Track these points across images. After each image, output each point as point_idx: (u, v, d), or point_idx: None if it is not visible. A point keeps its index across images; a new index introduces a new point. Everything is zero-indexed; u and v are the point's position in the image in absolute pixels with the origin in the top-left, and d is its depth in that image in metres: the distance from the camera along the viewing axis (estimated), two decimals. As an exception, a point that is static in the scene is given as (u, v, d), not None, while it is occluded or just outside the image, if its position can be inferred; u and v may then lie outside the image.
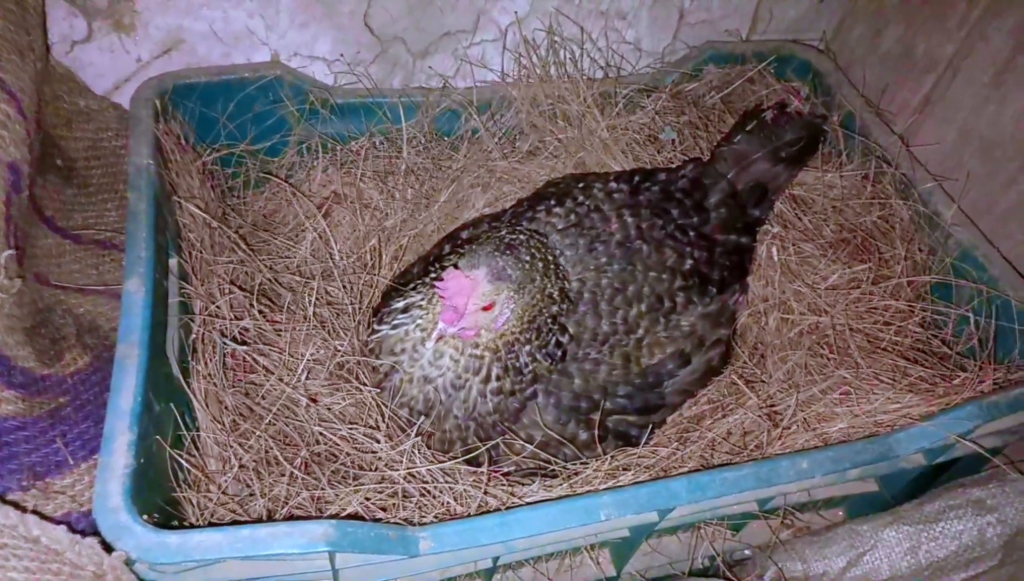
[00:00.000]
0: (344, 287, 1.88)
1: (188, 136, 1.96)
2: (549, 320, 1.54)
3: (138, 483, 1.24)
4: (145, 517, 1.21)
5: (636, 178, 1.81)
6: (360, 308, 1.86)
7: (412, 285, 1.68)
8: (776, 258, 1.95)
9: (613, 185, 1.77)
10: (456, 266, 1.44)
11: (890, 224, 2.08)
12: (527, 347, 1.53)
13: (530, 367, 1.54)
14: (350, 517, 1.45)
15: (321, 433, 1.59)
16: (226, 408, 1.60)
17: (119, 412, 1.29)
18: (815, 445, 1.65)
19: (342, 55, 2.13)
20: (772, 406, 1.79)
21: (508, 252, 1.44)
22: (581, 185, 1.77)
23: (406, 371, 1.55)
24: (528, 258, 1.46)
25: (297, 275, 1.89)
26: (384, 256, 2.02)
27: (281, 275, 1.88)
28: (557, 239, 1.65)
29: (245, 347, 1.66)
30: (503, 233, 1.52)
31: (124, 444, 1.25)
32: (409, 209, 2.09)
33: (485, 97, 2.20)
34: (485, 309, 1.43)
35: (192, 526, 1.37)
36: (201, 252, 1.79)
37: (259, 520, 1.42)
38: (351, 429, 1.61)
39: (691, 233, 1.73)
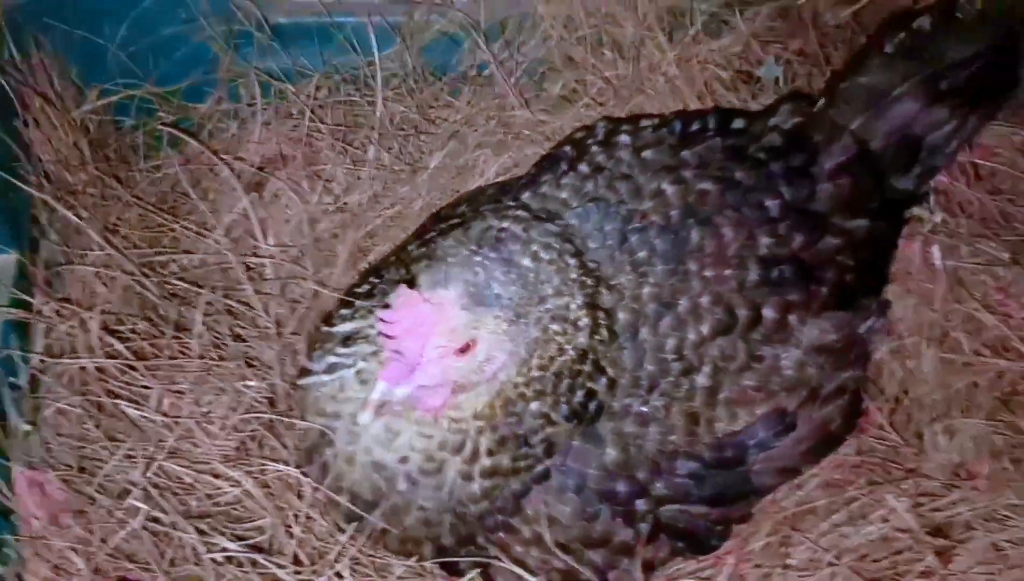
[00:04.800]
0: (266, 298, 1.40)
1: (62, 73, 1.53)
2: (574, 360, 1.16)
3: None
4: None
5: (696, 124, 1.41)
6: (289, 331, 1.38)
7: (372, 293, 1.30)
8: (938, 262, 1.48)
9: (649, 135, 1.38)
10: (409, 283, 1.07)
11: None
12: (535, 404, 1.16)
13: (542, 434, 1.18)
14: None
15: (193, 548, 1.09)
16: (49, 498, 1.12)
17: None
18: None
19: (288, -49, 1.69)
20: (933, 509, 1.27)
21: (495, 254, 1.09)
22: (601, 136, 1.40)
23: (343, 450, 1.18)
24: (530, 263, 1.11)
25: (202, 281, 1.40)
26: (343, 248, 1.53)
27: (177, 279, 1.38)
28: (574, 224, 1.29)
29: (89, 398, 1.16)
30: (490, 221, 1.16)
31: None
32: (383, 179, 1.64)
33: (498, 16, 1.77)
34: (460, 352, 1.06)
35: None
36: (60, 245, 1.35)
37: None
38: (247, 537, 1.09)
39: (772, 204, 1.34)
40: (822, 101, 1.45)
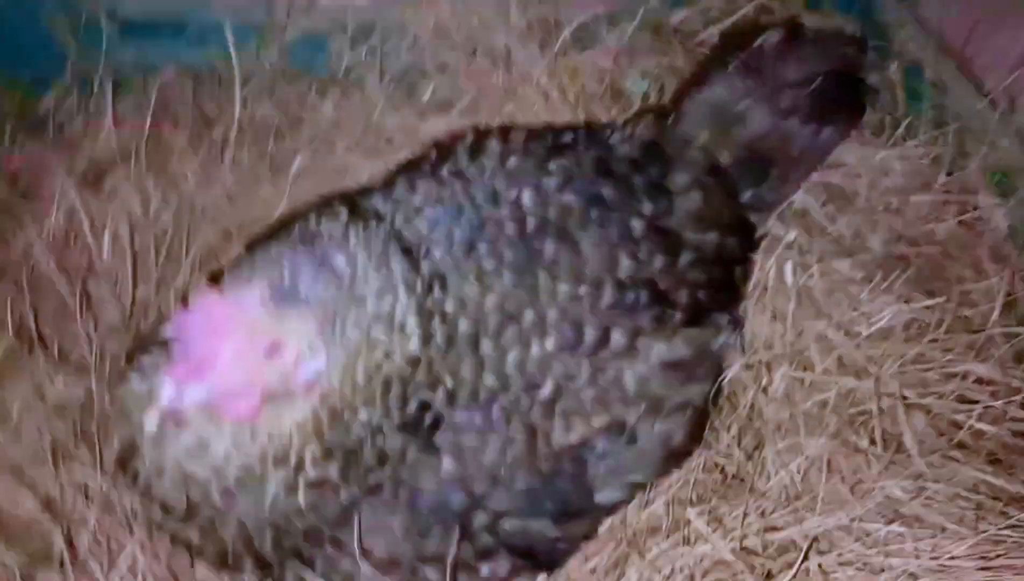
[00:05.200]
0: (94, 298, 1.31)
1: None
2: (405, 368, 1.10)
3: None
4: None
5: (565, 137, 1.38)
6: (113, 332, 1.29)
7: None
8: (791, 280, 1.45)
9: (517, 145, 1.35)
10: (212, 280, 1.01)
11: (976, 234, 1.55)
12: (364, 413, 1.09)
13: (372, 445, 1.11)
14: None
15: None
16: None
17: None
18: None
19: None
20: (770, 528, 1.21)
21: (307, 253, 1.04)
22: (469, 143, 1.36)
23: (152, 459, 1.09)
24: (345, 263, 1.05)
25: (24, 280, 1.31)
26: (191, 249, 1.44)
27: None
28: (424, 230, 1.25)
29: None
30: (310, 222, 1.10)
31: None
32: (243, 181, 1.56)
33: (366, 18, 1.70)
34: (268, 354, 1.00)
35: None
36: None
37: None
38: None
39: (635, 224, 1.31)
40: (672, 114, 1.43)
